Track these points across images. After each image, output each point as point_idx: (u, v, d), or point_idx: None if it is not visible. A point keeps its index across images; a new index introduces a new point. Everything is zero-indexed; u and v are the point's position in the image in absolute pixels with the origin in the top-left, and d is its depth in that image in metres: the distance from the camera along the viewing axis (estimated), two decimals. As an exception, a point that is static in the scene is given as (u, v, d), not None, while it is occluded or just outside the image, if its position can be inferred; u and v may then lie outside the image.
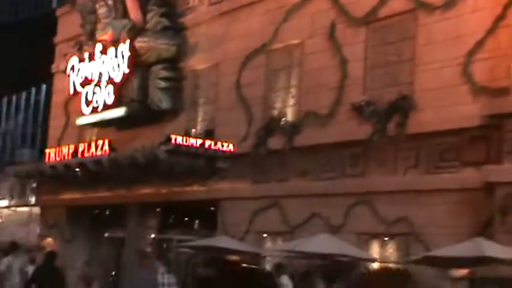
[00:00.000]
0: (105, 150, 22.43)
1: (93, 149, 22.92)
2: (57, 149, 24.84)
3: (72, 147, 24.08)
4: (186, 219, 23.25)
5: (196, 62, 22.43)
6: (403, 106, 15.49)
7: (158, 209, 24.31)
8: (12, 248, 18.67)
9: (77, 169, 23.72)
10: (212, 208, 21.42)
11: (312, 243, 14.44)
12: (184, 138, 19.82)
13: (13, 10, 46.15)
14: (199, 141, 19.94)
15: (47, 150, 25.44)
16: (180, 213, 23.42)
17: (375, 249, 16.30)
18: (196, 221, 23.22)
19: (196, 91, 22.47)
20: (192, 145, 19.83)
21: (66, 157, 24.20)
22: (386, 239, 16.08)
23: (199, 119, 22.28)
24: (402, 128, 15.47)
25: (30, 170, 26.97)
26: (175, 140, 19.65)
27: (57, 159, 24.71)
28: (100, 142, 22.72)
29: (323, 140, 17.53)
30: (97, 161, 22.62)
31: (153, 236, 24.20)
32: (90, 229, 27.54)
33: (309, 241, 14.69)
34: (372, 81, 16.82)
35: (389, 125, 15.77)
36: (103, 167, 22.62)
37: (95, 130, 26.60)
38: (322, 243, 14.36)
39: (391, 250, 16.01)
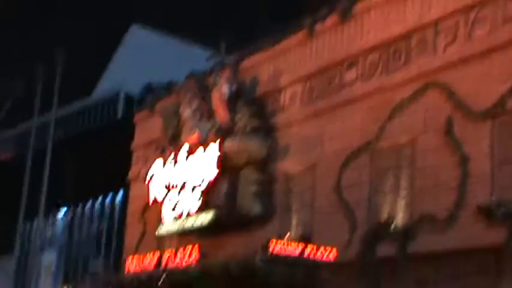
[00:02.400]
0: (193, 260, 20.93)
1: (179, 257, 21.44)
2: (139, 258, 23.42)
3: (156, 255, 22.64)
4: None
5: (289, 165, 21.15)
6: (545, 207, 13.75)
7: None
8: None
9: (162, 279, 22.18)
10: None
11: None
12: (283, 246, 18.23)
13: (81, 121, 46.44)
14: (299, 248, 18.30)
15: (128, 259, 23.99)
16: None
17: None
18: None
19: (289, 195, 21.08)
20: (291, 253, 18.20)
21: (149, 266, 22.74)
22: None
23: (293, 224, 20.77)
24: (546, 232, 13.67)
25: (109, 280, 25.53)
26: (274, 247, 18.08)
27: (139, 268, 23.27)
28: (187, 250, 21.23)
29: (443, 247, 15.78)
30: (185, 270, 21.10)
31: None
32: None
33: None
34: (501, 179, 15.16)
35: (528, 229, 14.00)
36: (190, 277, 21.05)
37: (175, 239, 25.25)
38: None
39: None
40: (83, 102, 47.35)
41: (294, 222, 20.77)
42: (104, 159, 33.79)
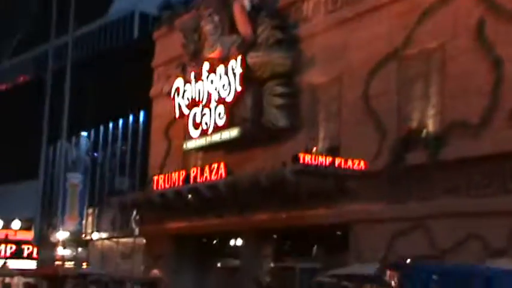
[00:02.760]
0: (221, 174, 20.96)
1: (206, 173, 21.48)
2: (166, 176, 23.49)
3: (182, 172, 22.70)
4: (308, 245, 21.55)
5: (314, 76, 20.82)
6: None
7: (275, 236, 22.72)
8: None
9: (189, 196, 22.31)
10: (339, 232, 19.71)
11: None
12: (313, 157, 18.13)
13: (97, 42, 45.98)
14: (329, 159, 18.20)
15: (155, 177, 24.09)
16: (300, 239, 21.70)
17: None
18: (315, 247, 21.52)
19: (315, 107, 20.83)
20: (321, 164, 18.11)
21: (176, 183, 22.82)
22: None
23: (321, 136, 20.60)
24: None
25: (136, 199, 25.74)
26: (304, 159, 17.98)
27: (166, 186, 23.38)
28: (215, 166, 21.24)
29: (475, 152, 15.59)
30: (212, 185, 21.15)
31: (272, 264, 22.58)
32: (199, 259, 26.10)
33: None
34: (536, 82, 14.85)
35: None
36: (218, 192, 21.14)
37: (200, 155, 25.25)
38: None
39: None
40: (98, 22, 46.81)
41: (321, 134, 20.60)
42: (123, 79, 33.60)
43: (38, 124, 38.08)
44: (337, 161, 18.28)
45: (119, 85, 33.74)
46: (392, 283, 10.73)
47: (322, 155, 18.90)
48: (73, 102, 35.43)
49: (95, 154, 36.13)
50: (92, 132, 36.29)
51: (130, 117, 33.13)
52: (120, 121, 34.00)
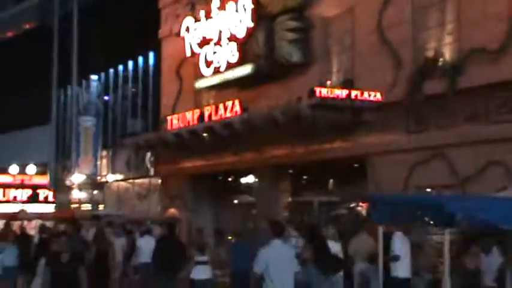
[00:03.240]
0: (236, 111, 20.89)
1: (221, 110, 21.41)
2: (180, 115, 23.46)
3: (197, 111, 22.65)
4: (326, 179, 21.62)
5: (325, 8, 20.56)
6: None
7: (291, 171, 22.78)
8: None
9: (205, 134, 22.30)
10: (356, 165, 19.70)
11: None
12: (329, 90, 18.02)
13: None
14: (345, 92, 18.09)
15: (169, 117, 24.07)
16: (317, 173, 21.76)
17: None
18: (333, 180, 21.60)
19: (328, 40, 20.62)
20: (337, 97, 18.01)
21: (191, 123, 22.81)
22: None
23: (334, 69, 20.46)
24: None
25: (150, 139, 25.77)
26: (320, 92, 17.87)
27: (181, 125, 23.37)
28: (229, 103, 21.16)
29: (495, 79, 15.41)
30: (228, 123, 21.12)
31: (289, 199, 22.71)
32: (215, 197, 26.29)
33: None
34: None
35: None
36: (233, 129, 21.12)
37: (213, 93, 25.16)
38: None
39: None
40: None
41: (334, 67, 20.45)
42: (130, 21, 33.27)
43: (47, 70, 37.93)
44: (354, 93, 18.16)
45: (126, 27, 33.43)
46: (363, 213, 11.31)
47: (337, 87, 18.81)
48: (81, 47, 35.17)
49: (106, 97, 36.04)
50: (102, 75, 36.11)
51: (140, 59, 32.89)
52: (130, 63, 33.76)
